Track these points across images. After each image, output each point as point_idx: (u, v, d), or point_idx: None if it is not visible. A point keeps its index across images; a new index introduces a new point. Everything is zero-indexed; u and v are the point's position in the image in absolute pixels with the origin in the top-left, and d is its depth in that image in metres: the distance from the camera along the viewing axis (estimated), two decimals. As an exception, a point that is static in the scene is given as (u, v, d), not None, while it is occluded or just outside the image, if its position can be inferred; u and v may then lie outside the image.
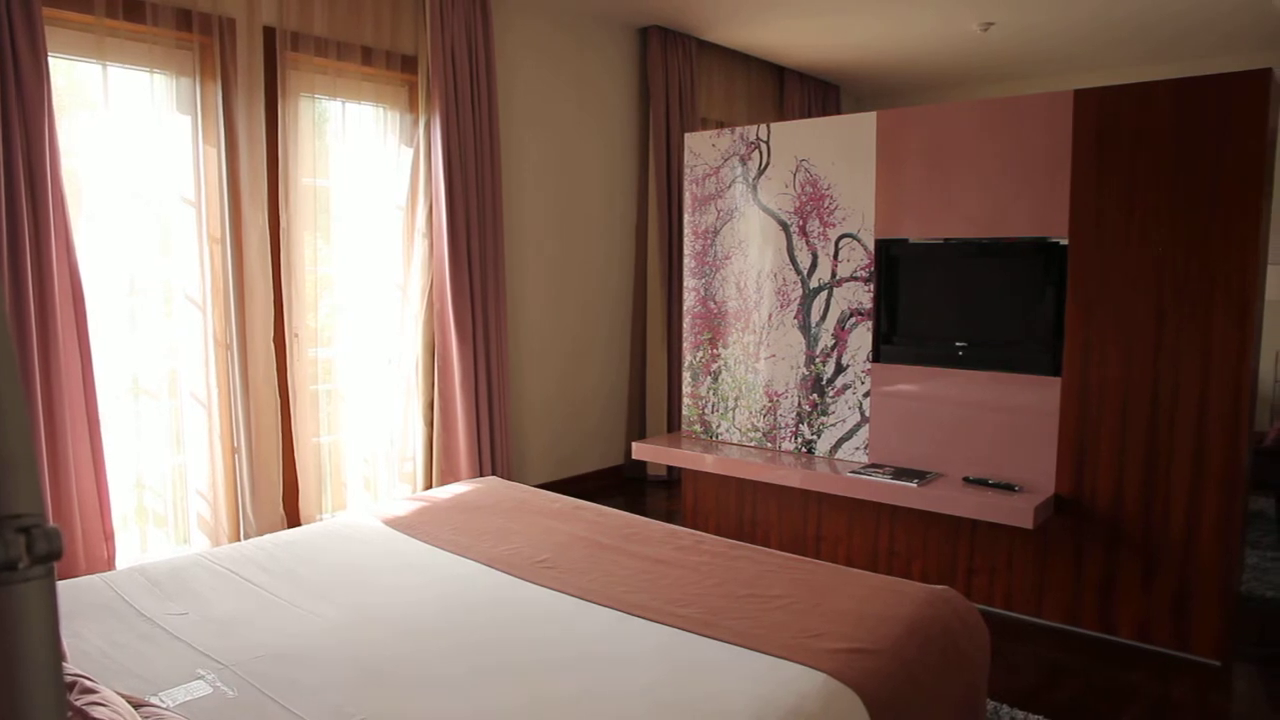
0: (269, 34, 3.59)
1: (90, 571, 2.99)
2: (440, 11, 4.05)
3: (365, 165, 4.03)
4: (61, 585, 2.29)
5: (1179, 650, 3.08)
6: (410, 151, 4.17)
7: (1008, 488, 3.30)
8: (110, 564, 3.12)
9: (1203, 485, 2.99)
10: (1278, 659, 3.10)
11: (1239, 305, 2.89)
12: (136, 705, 1.51)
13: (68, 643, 1.93)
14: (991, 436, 3.43)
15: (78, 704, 1.38)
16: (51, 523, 0.53)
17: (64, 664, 1.55)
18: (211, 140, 3.45)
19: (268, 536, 2.76)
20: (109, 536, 3.12)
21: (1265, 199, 2.91)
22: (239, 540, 3.54)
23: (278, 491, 3.70)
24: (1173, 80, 2.97)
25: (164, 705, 1.67)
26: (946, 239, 3.52)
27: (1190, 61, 5.88)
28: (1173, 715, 2.70)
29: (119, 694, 1.52)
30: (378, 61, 3.97)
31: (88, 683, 1.47)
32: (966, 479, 3.44)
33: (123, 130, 3.23)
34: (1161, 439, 3.06)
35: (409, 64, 4.12)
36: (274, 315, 3.64)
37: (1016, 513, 3.10)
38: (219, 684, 1.79)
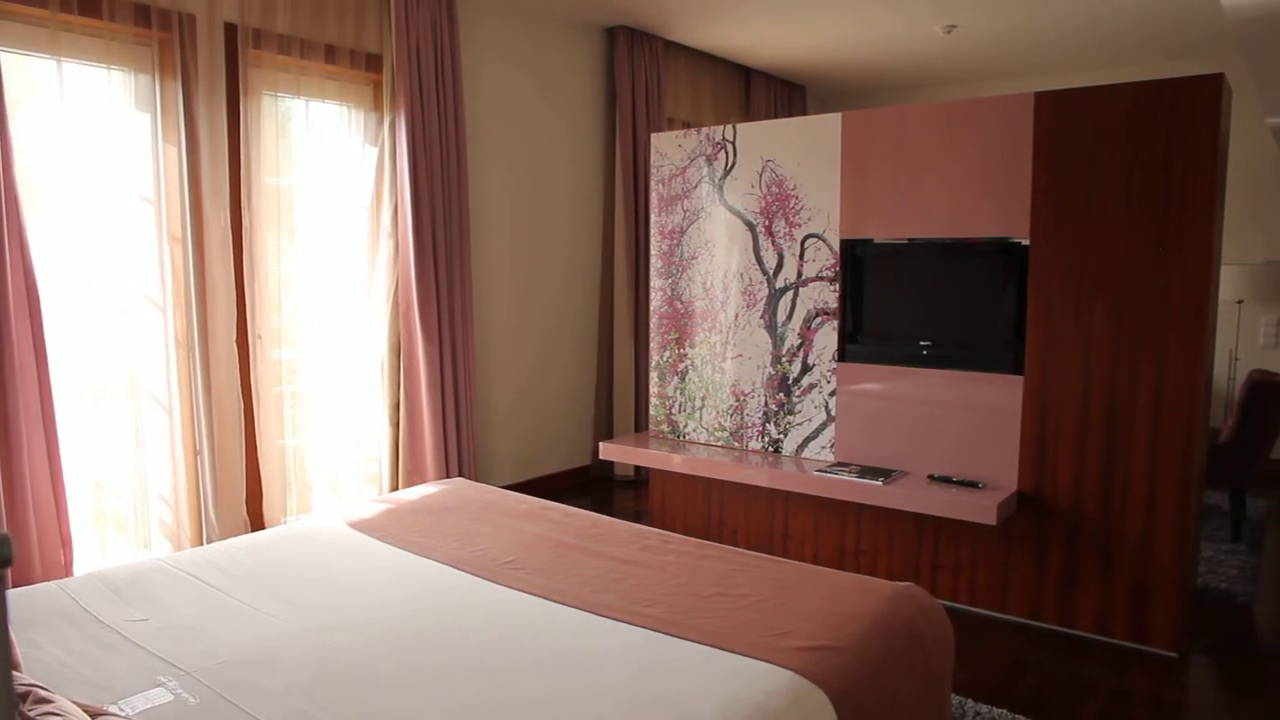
0: (230, 31, 3.54)
1: (47, 578, 2.94)
2: (405, 10, 4.02)
3: (330, 164, 3.99)
4: (16, 593, 2.24)
5: (1137, 643, 3.14)
6: (375, 151, 4.13)
7: (971, 485, 3.34)
8: (67, 570, 3.06)
9: (1160, 481, 3.05)
10: (1232, 650, 3.17)
11: (1194, 305, 2.95)
12: (94, 715, 1.48)
13: (22, 652, 1.89)
14: (955, 435, 3.47)
15: (31, 715, 1.35)
16: (3, 529, 0.52)
17: (17, 673, 1.51)
18: (171, 138, 3.39)
19: (231, 540, 2.72)
20: (66, 542, 3.06)
21: (1218, 201, 2.98)
22: (201, 544, 3.49)
23: (241, 494, 3.65)
24: (1129, 84, 3.03)
25: (123, 714, 1.64)
26: (911, 239, 3.56)
27: (1146, 65, 5.99)
28: (1130, 706, 2.75)
29: (76, 703, 1.49)
30: (342, 60, 3.93)
31: (42, 692, 1.44)
32: (931, 477, 3.48)
33: (79, 127, 3.17)
34: (1120, 436, 3.11)
35: (373, 63, 4.09)
36: (236, 316, 3.60)
37: (980, 510, 3.14)
38: (180, 691, 1.76)
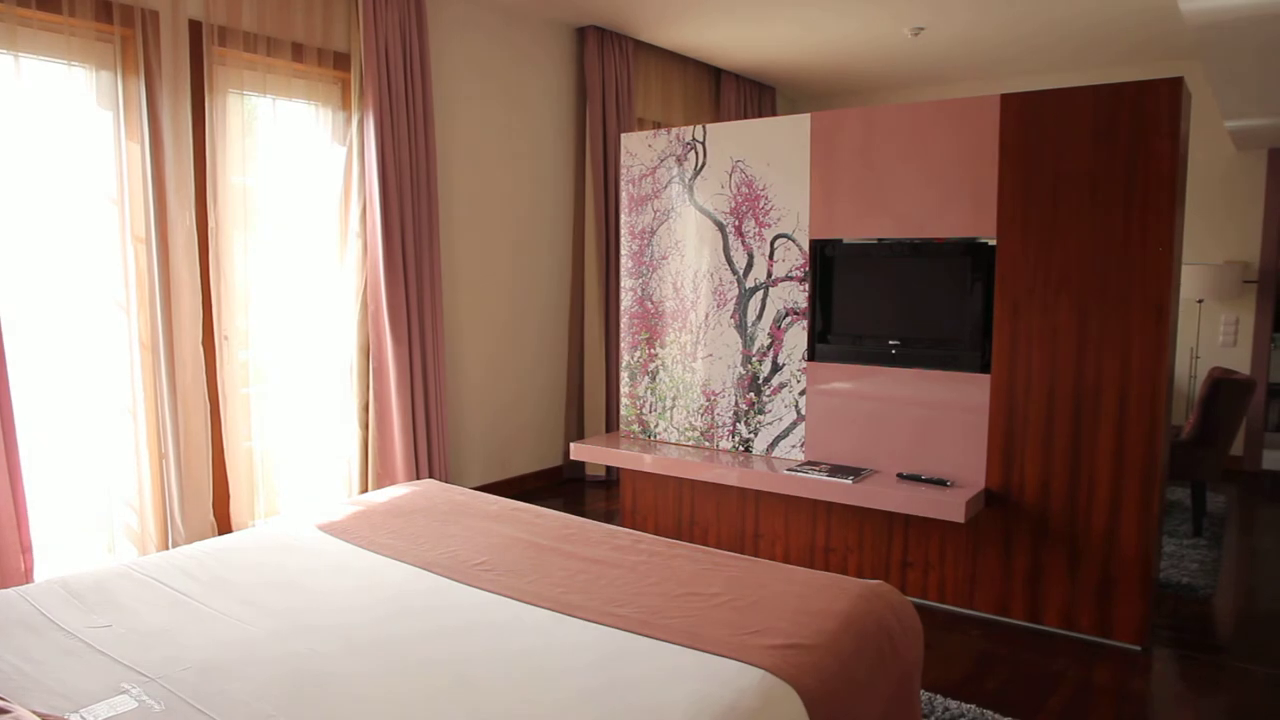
0: (195, 28, 3.49)
1: (6, 585, 2.88)
2: (373, 7, 3.99)
3: (297, 163, 3.94)
4: (-25, 600, 2.20)
5: (1102, 636, 3.18)
6: (343, 150, 4.10)
7: (940, 483, 3.37)
8: (28, 576, 3.01)
9: (1123, 477, 3.10)
10: (1193, 643, 3.23)
11: (1156, 304, 3.00)
12: (56, 723, 1.46)
13: (-18, 659, 1.85)
14: (924, 433, 3.51)
15: (-8, 723, 1.32)
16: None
17: (-23, 682, 1.48)
18: (135, 136, 3.34)
19: (197, 544, 2.68)
20: (26, 548, 3.00)
21: (1178, 201, 3.03)
22: (167, 549, 3.44)
23: (208, 498, 3.60)
24: (1092, 87, 3.08)
25: (86, 721, 1.61)
26: (880, 239, 3.59)
27: (1109, 69, 6.08)
28: (1096, 699, 2.80)
29: (35, 713, 1.46)
30: (309, 58, 3.89)
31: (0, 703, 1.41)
32: (900, 475, 3.51)
33: (38, 125, 3.12)
34: (1085, 433, 3.16)
35: (341, 61, 4.05)
36: (202, 317, 3.55)
37: (948, 507, 3.17)
38: (145, 698, 1.74)
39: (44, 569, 3.13)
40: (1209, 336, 5.91)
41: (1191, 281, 5.57)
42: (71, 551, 3.31)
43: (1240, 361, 5.79)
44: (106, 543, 3.40)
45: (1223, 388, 4.20)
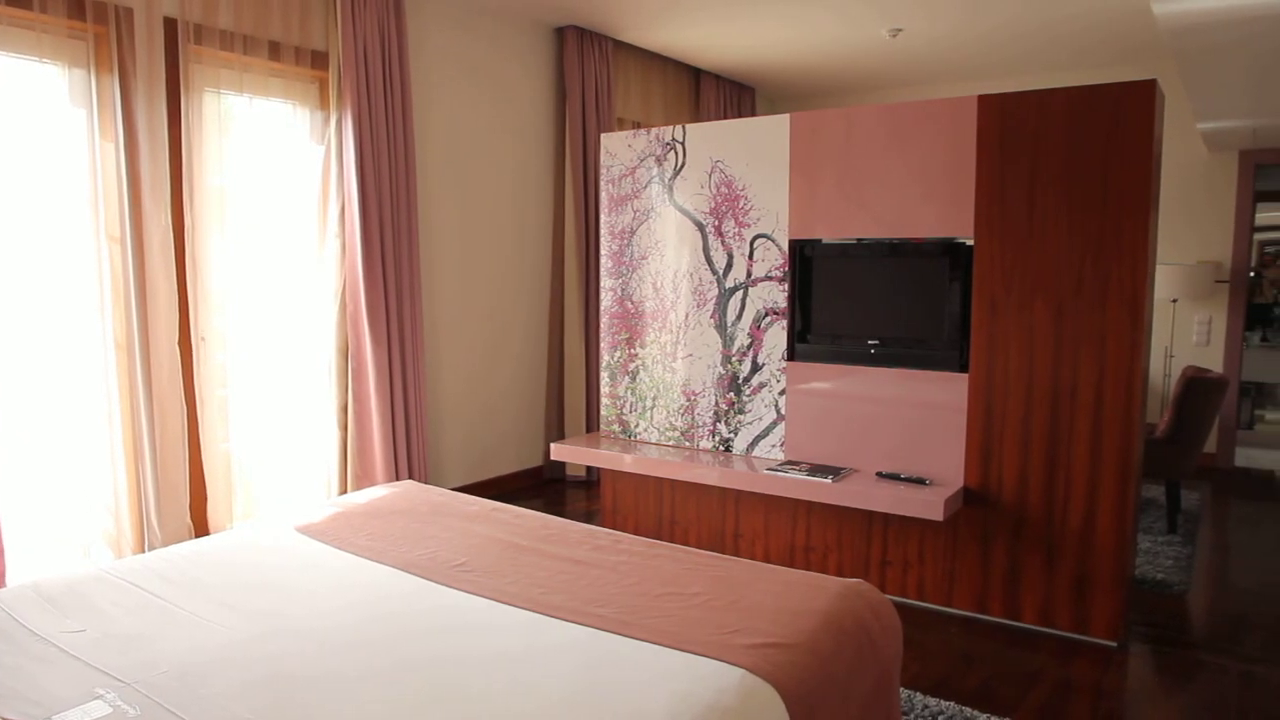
0: (170, 25, 3.46)
1: (-22, 589, 2.84)
2: (351, 6, 3.97)
3: (274, 163, 3.91)
4: (-55, 605, 2.16)
5: (1079, 633, 3.21)
6: (321, 149, 4.07)
7: (919, 482, 3.39)
8: (0, 581, 2.96)
9: (1100, 475, 3.13)
10: (1168, 639, 3.26)
11: (1131, 304, 3.04)
12: (28, 729, 1.44)
13: (-48, 665, 1.82)
14: (903, 432, 3.53)
15: (-38, 730, 1.30)
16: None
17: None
18: (109, 136, 3.30)
19: (174, 547, 2.65)
20: (-1, 552, 2.96)
21: (1153, 202, 3.07)
22: (144, 552, 3.41)
23: (184, 500, 3.57)
24: (1068, 88, 3.11)
25: (59, 727, 1.59)
26: (859, 239, 3.61)
27: (1084, 71, 6.14)
28: (1073, 695, 2.82)
29: (5, 719, 1.44)
30: (286, 57, 3.86)
31: (-26, 707, 1.39)
32: (879, 474, 3.52)
33: (9, 123, 3.07)
34: (1062, 432, 3.19)
35: (319, 60, 4.02)
36: (179, 318, 3.51)
37: (927, 506, 3.19)
38: (119, 703, 1.72)
39: (17, 573, 3.09)
40: (1183, 336, 5.98)
41: (1165, 281, 5.64)
42: (46, 555, 3.27)
43: (1213, 360, 5.87)
44: (82, 546, 3.36)
45: (1196, 386, 4.25)
